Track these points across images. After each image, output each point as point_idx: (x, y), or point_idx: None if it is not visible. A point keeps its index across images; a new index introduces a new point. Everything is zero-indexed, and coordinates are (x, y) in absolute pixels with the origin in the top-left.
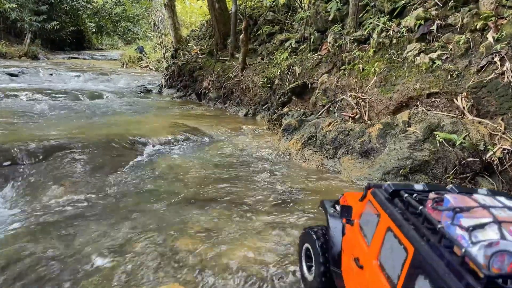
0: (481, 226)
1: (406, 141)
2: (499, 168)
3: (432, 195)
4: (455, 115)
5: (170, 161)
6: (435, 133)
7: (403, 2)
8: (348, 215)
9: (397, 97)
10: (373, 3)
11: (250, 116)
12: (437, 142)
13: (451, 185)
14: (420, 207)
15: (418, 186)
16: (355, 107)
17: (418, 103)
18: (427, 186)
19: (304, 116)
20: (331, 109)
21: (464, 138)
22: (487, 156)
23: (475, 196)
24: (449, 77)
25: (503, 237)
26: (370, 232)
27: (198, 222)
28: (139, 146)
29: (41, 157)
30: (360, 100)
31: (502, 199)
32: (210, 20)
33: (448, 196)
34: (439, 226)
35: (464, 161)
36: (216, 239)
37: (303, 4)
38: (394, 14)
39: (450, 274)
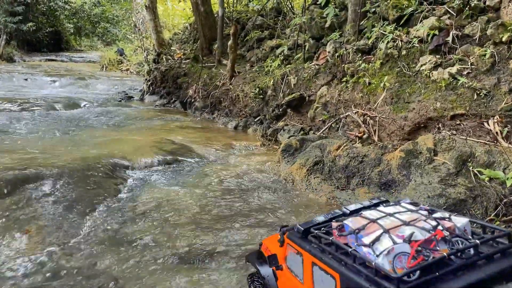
0: (377, 239)
1: (435, 174)
2: None
3: (334, 224)
4: (488, 142)
5: (157, 193)
6: (477, 170)
7: (410, 9)
8: (275, 262)
9: (413, 117)
10: (374, 9)
11: (240, 129)
12: (472, 176)
13: (344, 207)
14: (331, 238)
15: (320, 218)
16: (362, 125)
17: (440, 125)
18: (327, 216)
19: (302, 132)
20: (333, 125)
21: None
22: None
23: (364, 213)
24: (475, 96)
25: (394, 242)
26: (299, 270)
27: None
28: (120, 173)
29: (5, 192)
30: (368, 118)
31: (382, 208)
32: (194, 23)
33: (346, 222)
34: (349, 250)
35: (506, 200)
36: None
37: (294, 9)
38: (401, 22)
39: (371, 284)
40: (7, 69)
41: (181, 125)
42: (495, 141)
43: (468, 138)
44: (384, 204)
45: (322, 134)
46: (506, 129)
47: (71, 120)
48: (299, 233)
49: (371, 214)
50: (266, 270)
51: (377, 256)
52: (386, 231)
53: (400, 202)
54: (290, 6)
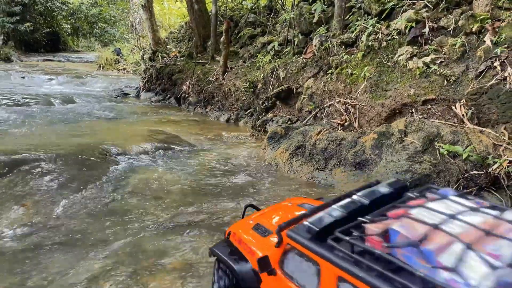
0: (460, 258)
1: (404, 152)
2: (506, 182)
3: (371, 227)
4: (455, 124)
5: (147, 174)
6: (439, 145)
7: (391, 3)
8: (268, 266)
9: (389, 104)
10: (359, 5)
11: (232, 122)
12: (438, 153)
13: (356, 195)
14: (377, 251)
15: (336, 212)
16: (344, 113)
17: (413, 110)
18: (346, 209)
19: (289, 122)
20: (318, 115)
21: (470, 151)
22: (493, 168)
23: (412, 212)
24: (445, 82)
25: (492, 266)
26: (311, 282)
27: (176, 254)
28: (113, 158)
29: (4, 171)
30: (350, 106)
31: (431, 204)
32: (189, 21)
33: (394, 227)
34: (419, 273)
35: (467, 174)
36: (197, 278)
37: (285, 6)
38: (383, 16)
39: None
40: (4, 68)
41: (175, 119)
42: (461, 123)
43: (435, 120)
44: (415, 194)
45: (307, 123)
46: (470, 111)
47: (67, 114)
48: (310, 233)
49: (422, 214)
50: (242, 268)
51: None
52: (468, 245)
53: (444, 194)
54: (281, 3)
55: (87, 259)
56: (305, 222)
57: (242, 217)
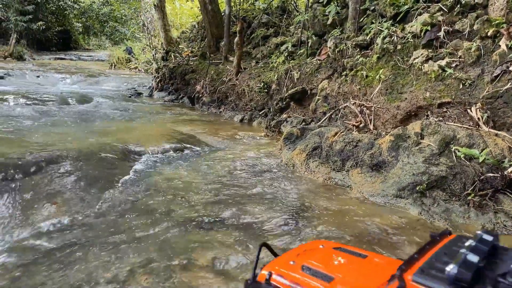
0: None
1: (420, 154)
2: None
3: None
4: (470, 127)
5: (168, 174)
6: (455, 148)
7: (406, 7)
8: None
9: (405, 106)
10: (373, 7)
11: (246, 122)
12: (454, 156)
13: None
14: None
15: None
16: (359, 115)
17: (429, 113)
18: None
19: (304, 123)
20: (332, 116)
21: (486, 154)
22: (509, 171)
23: None
24: (461, 86)
25: None
26: None
27: (204, 250)
28: (133, 157)
29: (32, 171)
30: (365, 108)
31: None
32: (202, 21)
33: None
34: None
35: (483, 177)
36: (227, 272)
37: (298, 7)
38: (397, 19)
39: None
40: (18, 66)
41: (189, 119)
42: (477, 126)
43: (450, 123)
44: None
45: (322, 124)
46: (485, 115)
47: (84, 113)
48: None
49: None
50: None
51: None
52: None
53: None
54: (294, 4)
55: (120, 255)
56: (451, 266)
57: (258, 256)
